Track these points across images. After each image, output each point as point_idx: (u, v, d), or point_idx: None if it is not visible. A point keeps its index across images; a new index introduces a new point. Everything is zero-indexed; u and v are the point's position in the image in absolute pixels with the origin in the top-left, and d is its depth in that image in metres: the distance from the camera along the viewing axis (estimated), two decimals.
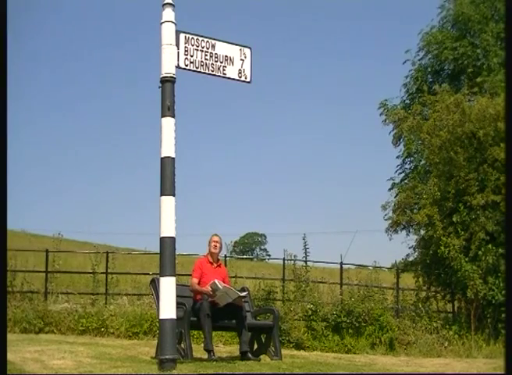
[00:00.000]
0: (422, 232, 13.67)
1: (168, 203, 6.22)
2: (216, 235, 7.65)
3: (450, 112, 12.88)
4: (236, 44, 6.93)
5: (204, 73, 6.71)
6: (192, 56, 6.59)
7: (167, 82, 6.37)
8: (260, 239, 75.18)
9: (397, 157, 16.19)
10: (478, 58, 15.51)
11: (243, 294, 7.44)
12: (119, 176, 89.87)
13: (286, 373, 6.30)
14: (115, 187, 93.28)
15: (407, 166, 16.36)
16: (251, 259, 41.75)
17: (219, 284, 7.06)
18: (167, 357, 5.92)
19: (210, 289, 7.07)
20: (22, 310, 10.67)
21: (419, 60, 16.57)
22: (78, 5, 73.77)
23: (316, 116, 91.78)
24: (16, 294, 11.44)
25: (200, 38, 6.69)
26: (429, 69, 16.53)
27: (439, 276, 13.28)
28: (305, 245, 11.96)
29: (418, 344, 10.76)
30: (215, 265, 7.56)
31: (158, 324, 6.43)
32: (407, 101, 16.50)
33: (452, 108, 12.89)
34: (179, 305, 6.40)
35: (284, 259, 12.66)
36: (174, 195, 6.27)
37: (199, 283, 7.33)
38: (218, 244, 7.58)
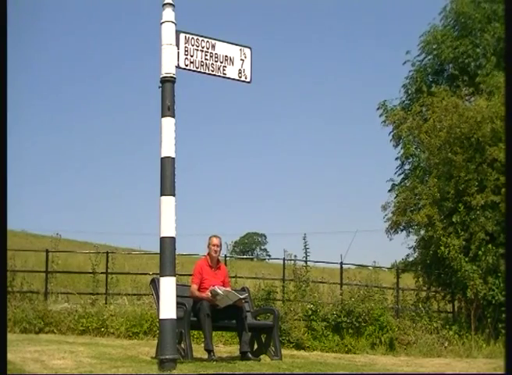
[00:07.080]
0: (422, 232, 13.69)
1: (168, 203, 6.21)
2: (216, 237, 7.51)
3: (449, 113, 12.88)
4: (236, 44, 6.92)
5: (204, 73, 6.70)
6: (192, 56, 6.59)
7: (167, 82, 6.36)
8: (260, 239, 75.21)
9: (396, 158, 16.20)
10: (478, 57, 15.48)
11: (244, 296, 7.41)
12: (119, 175, 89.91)
13: (286, 373, 6.29)
14: (115, 187, 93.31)
15: (406, 167, 16.34)
16: (251, 259, 41.76)
17: (219, 290, 7.04)
18: (167, 357, 5.91)
19: (210, 295, 7.06)
20: (22, 310, 10.65)
21: (419, 61, 16.54)
22: (78, 5, 73.81)
23: (316, 117, 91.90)
24: (16, 294, 11.42)
25: (200, 38, 6.69)
26: (429, 70, 16.48)
27: (439, 277, 13.29)
28: (305, 245, 11.97)
29: (418, 344, 10.77)
30: (215, 267, 7.50)
31: (158, 324, 6.42)
32: (407, 102, 16.48)
33: (450, 109, 12.90)
34: (179, 305, 6.38)
35: (284, 259, 12.66)
36: (174, 195, 6.26)
37: (199, 288, 7.29)
38: (218, 248, 7.49)
